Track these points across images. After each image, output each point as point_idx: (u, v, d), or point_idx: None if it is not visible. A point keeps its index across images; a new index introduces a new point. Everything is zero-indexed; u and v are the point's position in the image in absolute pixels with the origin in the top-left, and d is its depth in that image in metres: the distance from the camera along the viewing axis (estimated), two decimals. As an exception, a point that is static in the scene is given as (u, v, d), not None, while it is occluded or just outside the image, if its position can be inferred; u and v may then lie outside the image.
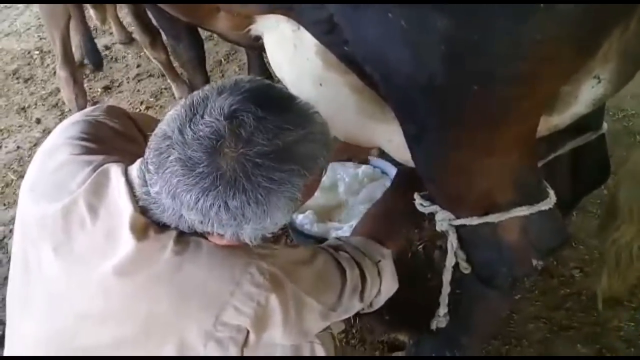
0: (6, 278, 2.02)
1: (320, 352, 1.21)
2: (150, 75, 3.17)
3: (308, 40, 1.17)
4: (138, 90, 3.09)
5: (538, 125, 1.04)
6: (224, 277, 1.00)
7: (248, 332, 1.02)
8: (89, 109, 1.25)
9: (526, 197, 1.15)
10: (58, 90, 3.05)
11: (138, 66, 3.27)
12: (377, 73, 1.07)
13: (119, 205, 0.99)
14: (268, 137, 0.88)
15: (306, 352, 1.20)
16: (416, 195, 1.32)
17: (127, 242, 0.97)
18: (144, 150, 1.01)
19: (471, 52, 0.90)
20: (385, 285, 1.29)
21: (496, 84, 0.93)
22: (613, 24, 0.90)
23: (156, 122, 1.28)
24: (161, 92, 3.05)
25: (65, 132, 1.14)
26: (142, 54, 3.32)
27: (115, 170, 1.02)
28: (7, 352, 1.15)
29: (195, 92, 0.95)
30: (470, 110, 0.98)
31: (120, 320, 1.00)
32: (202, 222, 0.92)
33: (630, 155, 1.30)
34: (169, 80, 2.92)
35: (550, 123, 1.14)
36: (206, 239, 1.01)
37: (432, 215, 1.31)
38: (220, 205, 0.89)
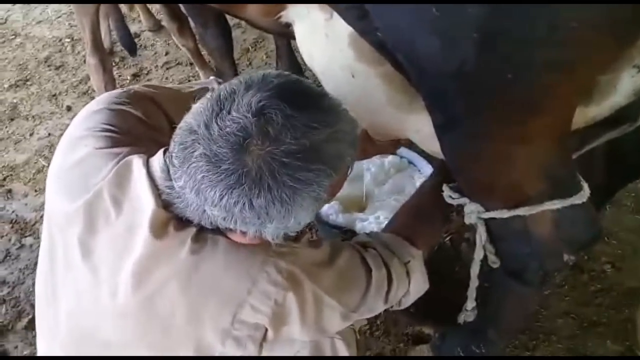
0: (37, 263, 2.10)
1: (341, 347, 1.19)
2: (178, 63, 3.19)
3: (341, 30, 1.15)
4: (166, 78, 3.11)
5: (573, 115, 1.01)
6: (240, 276, 0.99)
7: (266, 329, 1.01)
8: (110, 93, 1.22)
9: (559, 189, 1.11)
10: (89, 77, 3.07)
11: (166, 54, 3.28)
12: (408, 61, 1.05)
13: (142, 199, 0.99)
14: (296, 135, 0.87)
15: (327, 348, 1.18)
16: (445, 187, 1.29)
17: (145, 239, 0.97)
18: (168, 138, 1.00)
19: (504, 39, 0.87)
20: (415, 286, 1.25)
21: (530, 71, 0.90)
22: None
23: (182, 97, 1.28)
24: (189, 80, 3.05)
25: (88, 121, 1.12)
26: (170, 41, 3.33)
27: (137, 163, 1.01)
28: (39, 342, 1.18)
29: (222, 86, 0.94)
30: (503, 99, 0.96)
31: (138, 319, 1.00)
32: (225, 219, 0.91)
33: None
34: (197, 68, 2.93)
35: (587, 115, 1.10)
36: (226, 236, 1.00)
37: (460, 207, 1.28)
38: (244, 203, 0.88)
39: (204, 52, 2.78)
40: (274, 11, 1.30)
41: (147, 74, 3.15)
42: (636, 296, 1.85)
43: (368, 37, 1.12)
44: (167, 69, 3.18)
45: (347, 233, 1.68)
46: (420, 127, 1.25)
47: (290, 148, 0.86)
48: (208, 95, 0.94)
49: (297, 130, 0.87)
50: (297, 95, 0.91)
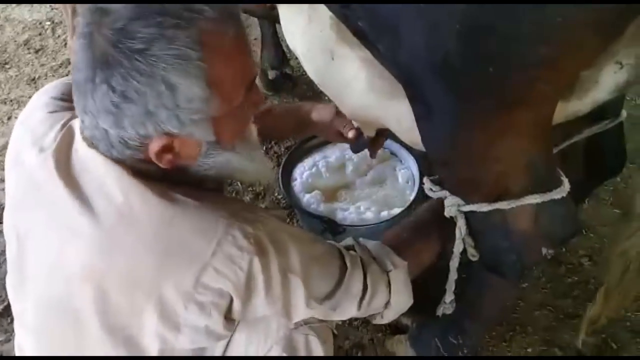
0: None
1: (315, 345, 1.17)
2: (160, 48, 3.14)
3: (323, 13, 1.14)
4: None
5: (554, 110, 1.01)
6: (205, 237, 0.96)
7: (231, 298, 0.99)
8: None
9: (539, 184, 1.11)
10: (69, 61, 3.04)
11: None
12: (390, 51, 1.04)
13: (84, 159, 0.99)
14: (132, 7, 0.85)
15: (300, 345, 1.17)
16: (425, 179, 1.29)
17: (104, 199, 0.96)
18: None
19: (488, 34, 0.86)
20: (396, 298, 1.21)
21: (512, 66, 0.89)
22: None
23: None
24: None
25: (45, 93, 1.16)
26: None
27: (76, 123, 1.03)
28: (16, 323, 1.16)
29: None
30: (485, 93, 0.95)
31: (104, 277, 0.97)
32: (116, 126, 0.90)
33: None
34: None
35: (569, 109, 1.10)
36: (167, 178, 0.98)
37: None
38: (107, 91, 0.86)
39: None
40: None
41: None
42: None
43: (350, 25, 1.11)
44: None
45: (329, 222, 1.68)
46: (400, 116, 1.24)
47: (121, 13, 0.85)
48: None
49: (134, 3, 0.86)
50: None
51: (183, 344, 1.02)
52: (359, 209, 1.71)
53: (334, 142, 1.94)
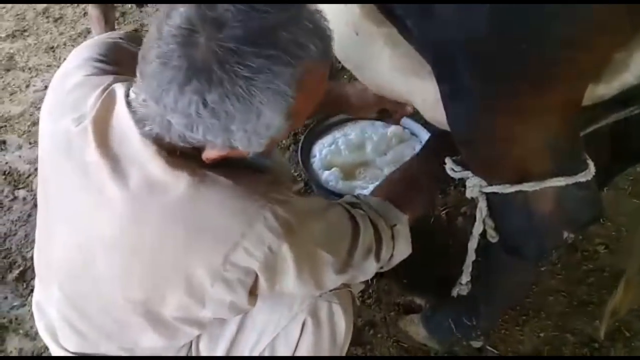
0: (30, 215, 2.08)
1: (338, 312, 1.20)
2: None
3: (348, -14, 1.12)
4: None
5: (584, 93, 0.99)
6: (237, 217, 0.97)
7: (257, 276, 1.00)
8: (106, 34, 1.23)
9: (564, 167, 1.10)
10: (88, 31, 3.04)
11: (169, 10, 3.22)
12: (419, 28, 1.03)
13: (125, 130, 0.97)
14: (243, 19, 0.82)
15: (323, 312, 1.19)
16: (447, 160, 1.28)
17: (138, 169, 0.95)
18: None
19: (521, 10, 0.85)
20: (399, 250, 1.25)
21: (546, 45, 0.88)
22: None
23: None
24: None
25: (81, 53, 1.13)
26: (173, -2, 3.26)
27: (119, 90, 1.00)
28: (37, 278, 1.18)
29: None
30: (515, 72, 0.94)
31: (130, 248, 0.99)
32: (187, 127, 0.88)
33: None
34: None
35: (595, 93, 1.08)
36: (200, 157, 0.97)
37: (462, 180, 1.28)
38: (198, 102, 0.84)
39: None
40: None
41: (147, 30, 3.09)
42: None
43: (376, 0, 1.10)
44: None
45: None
46: (425, 94, 1.23)
47: (236, 33, 0.82)
48: None
49: (243, 13, 0.83)
50: None
51: (205, 315, 1.03)
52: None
53: (355, 120, 1.94)
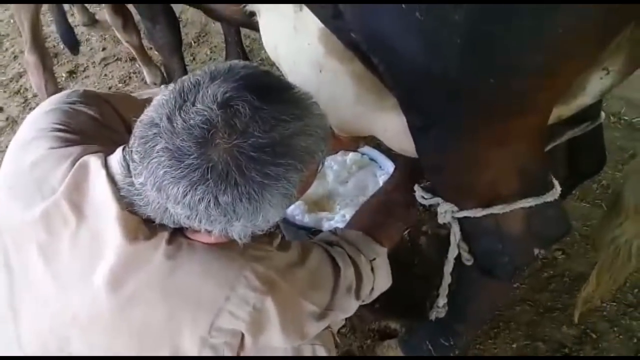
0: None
1: (321, 353, 1.18)
2: (117, 59, 3.06)
3: (311, 24, 1.12)
4: (105, 75, 2.98)
5: (549, 117, 1.03)
6: (218, 282, 0.95)
7: (243, 335, 0.98)
8: (62, 94, 1.15)
9: (532, 188, 1.14)
10: (20, 75, 2.93)
11: (103, 49, 3.15)
12: (385, 64, 1.04)
13: (103, 202, 0.93)
14: (264, 128, 0.83)
15: (307, 354, 1.17)
16: (417, 188, 1.30)
17: (115, 245, 0.92)
18: (124, 139, 0.94)
19: (489, 45, 0.87)
20: (379, 282, 1.26)
21: (514, 76, 0.91)
22: (634, 15, 0.88)
23: (137, 103, 1.23)
24: (130, 77, 2.95)
25: (38, 122, 1.06)
26: (107, 36, 3.20)
27: (94, 163, 0.96)
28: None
29: (186, 77, 0.89)
30: (484, 103, 0.96)
31: (111, 328, 0.95)
32: (189, 217, 0.87)
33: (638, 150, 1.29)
34: (139, 65, 2.82)
35: (555, 114, 1.13)
36: (188, 237, 0.96)
37: (432, 207, 1.30)
38: (210, 200, 0.83)
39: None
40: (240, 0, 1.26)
41: (83, 70, 3.01)
42: (586, 281, 1.93)
43: (341, 37, 1.10)
44: (105, 65, 3.05)
45: (315, 233, 1.66)
46: (388, 126, 1.25)
47: (258, 141, 0.82)
48: (170, 87, 0.89)
49: (266, 122, 0.83)
50: (265, 87, 0.87)
51: None
52: (344, 218, 1.71)
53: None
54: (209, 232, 0.90)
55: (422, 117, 1.06)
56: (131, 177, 0.90)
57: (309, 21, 1.13)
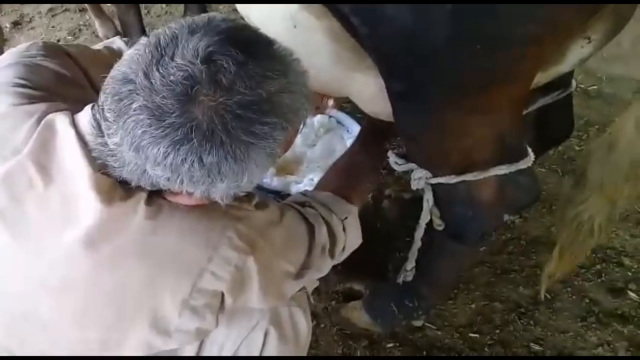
0: None
1: (298, 315, 1.19)
2: (65, 10, 2.89)
3: (287, -23, 1.07)
4: (53, 27, 2.82)
5: (531, 85, 1.03)
6: (200, 243, 0.93)
7: (223, 295, 0.97)
8: (21, 46, 1.08)
9: (506, 155, 1.15)
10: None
11: (51, -2, 2.96)
12: (367, 27, 1.01)
13: (73, 163, 0.88)
14: (250, 85, 0.80)
15: (285, 317, 1.17)
16: (390, 154, 1.30)
17: (91, 207, 0.87)
18: (89, 95, 0.90)
19: (481, 12, 0.86)
20: (350, 241, 1.26)
21: (501, 43, 0.90)
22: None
23: (98, 56, 1.17)
24: (79, 30, 2.79)
25: None
26: (54, -16, 3.00)
27: (62, 121, 0.90)
28: None
29: (160, 31, 0.84)
30: (469, 70, 0.96)
31: (85, 292, 0.91)
32: (169, 179, 0.83)
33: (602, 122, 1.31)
34: (89, 16, 2.67)
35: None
36: (166, 198, 0.92)
37: (404, 173, 1.30)
38: (194, 161, 0.80)
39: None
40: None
41: (29, 21, 2.84)
42: (541, 244, 2.01)
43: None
44: (53, 16, 2.88)
45: (283, 197, 1.65)
46: (364, 88, 1.23)
47: (245, 98, 0.79)
48: (143, 41, 0.84)
49: (251, 79, 0.80)
50: (248, 42, 0.83)
51: (170, 346, 0.98)
52: (312, 181, 1.70)
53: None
54: (190, 194, 0.87)
55: (403, 82, 1.05)
56: (103, 136, 0.85)
57: (285, -26, 1.09)
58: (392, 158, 1.30)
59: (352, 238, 1.26)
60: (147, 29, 2.34)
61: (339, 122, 1.93)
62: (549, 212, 2.07)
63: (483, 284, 1.92)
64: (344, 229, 1.23)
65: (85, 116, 0.90)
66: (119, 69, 0.83)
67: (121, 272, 0.90)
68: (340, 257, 1.27)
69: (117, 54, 0.90)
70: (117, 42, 1.28)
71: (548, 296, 1.87)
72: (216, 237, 0.93)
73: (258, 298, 1.01)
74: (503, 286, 1.91)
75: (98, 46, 1.29)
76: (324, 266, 1.19)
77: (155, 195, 0.91)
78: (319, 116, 1.90)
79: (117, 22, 2.43)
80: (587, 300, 1.86)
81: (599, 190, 1.18)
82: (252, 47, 0.82)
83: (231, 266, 0.93)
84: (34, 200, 0.89)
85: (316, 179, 1.72)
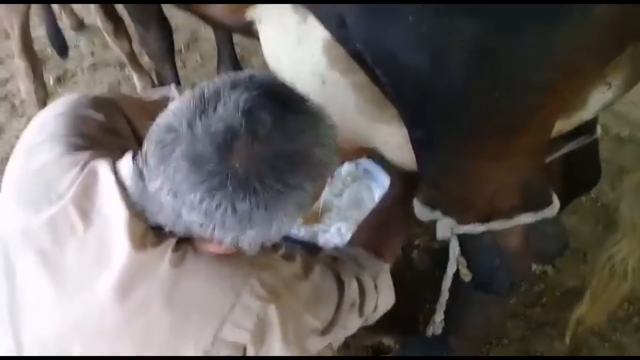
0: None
1: None
2: (106, 65, 3.01)
3: (314, 35, 1.11)
4: (94, 82, 2.93)
5: (552, 132, 1.03)
6: (224, 289, 0.93)
7: (245, 348, 0.96)
8: (72, 97, 1.13)
9: (531, 203, 1.14)
10: (6, 81, 2.87)
11: (92, 55, 3.09)
12: (388, 76, 1.03)
13: (111, 206, 0.91)
14: (285, 137, 0.83)
15: None
16: (416, 203, 1.29)
17: (123, 252, 0.90)
18: (130, 144, 0.93)
19: (497, 59, 0.87)
20: (382, 300, 1.24)
21: (519, 92, 0.91)
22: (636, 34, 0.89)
23: (147, 107, 1.21)
24: (119, 84, 2.90)
25: (48, 126, 1.04)
26: (96, 41, 3.15)
27: (104, 168, 0.94)
28: None
29: (203, 85, 0.88)
30: (488, 118, 0.96)
31: (115, 338, 0.93)
32: (202, 225, 0.85)
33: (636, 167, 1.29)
34: (129, 71, 2.78)
35: (555, 128, 1.13)
36: (194, 245, 0.93)
37: (431, 222, 1.28)
38: (227, 207, 0.82)
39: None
40: (241, 10, 1.25)
41: (72, 76, 2.96)
42: (576, 295, 1.93)
43: (346, 46, 1.09)
44: (94, 71, 3.00)
45: (310, 247, 1.65)
46: (389, 138, 1.24)
47: (280, 150, 0.83)
48: (188, 94, 0.88)
49: (287, 131, 0.84)
50: (284, 97, 0.88)
51: None
52: (340, 231, 1.70)
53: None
54: (220, 242, 0.88)
55: (424, 130, 1.06)
56: (143, 181, 0.88)
57: (313, 32, 1.13)
58: (418, 207, 1.29)
59: (384, 298, 1.25)
60: (182, 83, 2.43)
61: (366, 171, 1.94)
62: (583, 261, 2.01)
63: (517, 338, 1.85)
64: (375, 288, 1.21)
65: (125, 162, 0.93)
66: (164, 118, 0.87)
67: (147, 319, 0.92)
68: (372, 318, 1.25)
69: (164, 103, 0.95)
70: (172, 91, 1.34)
71: (585, 351, 1.80)
72: (239, 283, 0.93)
73: (280, 349, 0.99)
74: (539, 341, 1.85)
75: (155, 93, 1.35)
76: (353, 324, 1.17)
77: (184, 242, 0.93)
78: (346, 165, 1.91)
79: (154, 76, 2.52)
80: (626, 355, 1.78)
81: (631, 231, 1.15)
82: (288, 102, 0.87)
83: (253, 315, 0.93)
84: (74, 245, 0.92)
85: (343, 229, 1.72)
